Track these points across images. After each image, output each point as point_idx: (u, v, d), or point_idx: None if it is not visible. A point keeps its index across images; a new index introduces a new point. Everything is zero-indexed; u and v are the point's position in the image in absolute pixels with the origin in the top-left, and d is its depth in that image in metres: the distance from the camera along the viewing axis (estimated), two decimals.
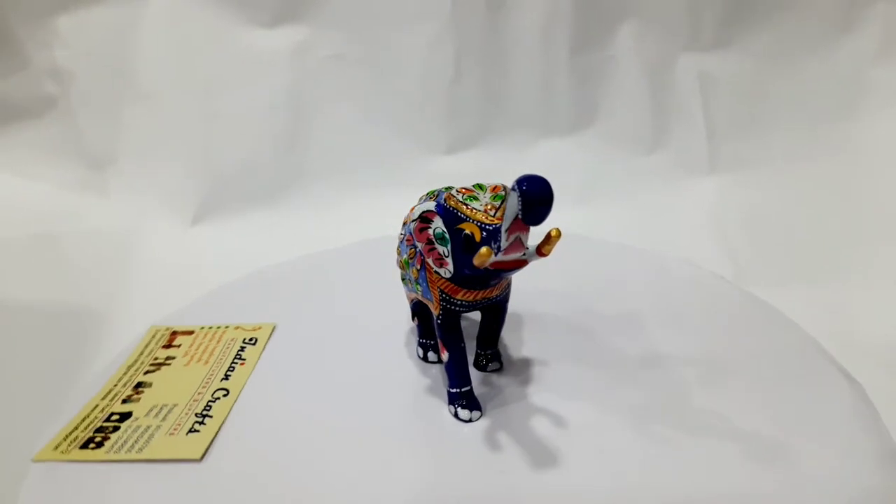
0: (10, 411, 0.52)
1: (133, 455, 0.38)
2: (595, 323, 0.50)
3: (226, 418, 0.41)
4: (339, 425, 0.40)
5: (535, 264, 0.37)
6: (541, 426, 0.40)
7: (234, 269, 0.64)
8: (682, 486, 0.36)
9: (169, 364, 0.47)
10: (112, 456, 0.38)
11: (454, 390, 0.41)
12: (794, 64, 0.86)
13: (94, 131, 0.85)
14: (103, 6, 0.83)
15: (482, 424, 0.40)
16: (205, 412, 0.42)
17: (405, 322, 0.48)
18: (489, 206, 0.36)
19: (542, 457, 0.38)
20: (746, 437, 0.38)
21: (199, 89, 0.84)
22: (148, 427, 0.41)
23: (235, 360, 0.47)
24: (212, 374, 0.46)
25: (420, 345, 0.46)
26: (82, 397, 0.44)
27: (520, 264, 0.36)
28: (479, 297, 0.39)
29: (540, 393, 0.43)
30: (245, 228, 0.81)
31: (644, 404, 0.41)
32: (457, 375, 0.41)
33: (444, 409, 0.41)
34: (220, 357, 0.47)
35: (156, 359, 0.47)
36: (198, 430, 0.40)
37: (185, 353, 0.48)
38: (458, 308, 0.39)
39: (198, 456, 0.38)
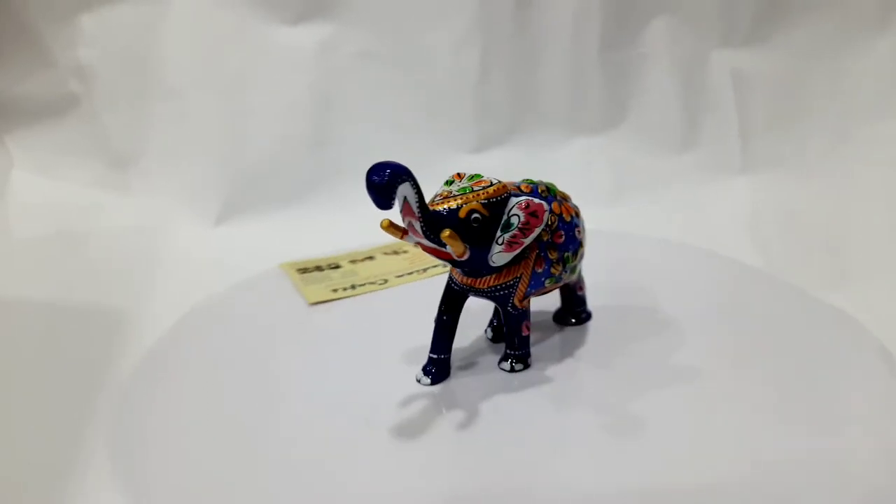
0: (36, 410, 0.51)
1: (301, 285, 0.53)
2: (626, 317, 0.49)
3: (353, 296, 0.53)
4: (383, 358, 0.46)
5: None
6: (553, 424, 0.39)
7: (260, 268, 0.64)
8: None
9: (399, 255, 0.58)
10: (296, 279, 0.53)
11: (429, 353, 0.44)
12: (829, 61, 0.84)
13: (118, 130, 0.84)
14: (127, 4, 0.82)
15: (483, 419, 0.40)
16: (355, 286, 0.53)
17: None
18: (444, 192, 0.38)
19: (550, 454, 0.37)
20: (788, 437, 0.37)
21: (223, 87, 0.84)
22: (330, 277, 0.53)
23: (420, 271, 0.55)
24: (401, 271, 0.55)
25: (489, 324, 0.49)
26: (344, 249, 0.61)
27: (439, 254, 0.38)
28: (465, 283, 0.41)
29: (563, 390, 0.43)
30: (270, 227, 0.80)
31: (674, 400, 0.41)
32: (432, 340, 0.43)
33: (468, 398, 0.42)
34: (423, 264, 0.56)
35: (400, 248, 0.59)
36: (335, 292, 0.53)
37: (417, 253, 0.57)
38: (453, 285, 0.42)
39: (310, 301, 0.53)
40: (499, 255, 0.39)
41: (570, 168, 0.83)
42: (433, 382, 0.43)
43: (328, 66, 0.84)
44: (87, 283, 0.70)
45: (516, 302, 0.41)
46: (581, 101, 0.85)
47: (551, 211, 0.42)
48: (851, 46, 0.84)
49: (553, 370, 0.44)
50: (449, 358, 0.44)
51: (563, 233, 0.42)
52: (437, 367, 0.43)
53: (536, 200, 0.39)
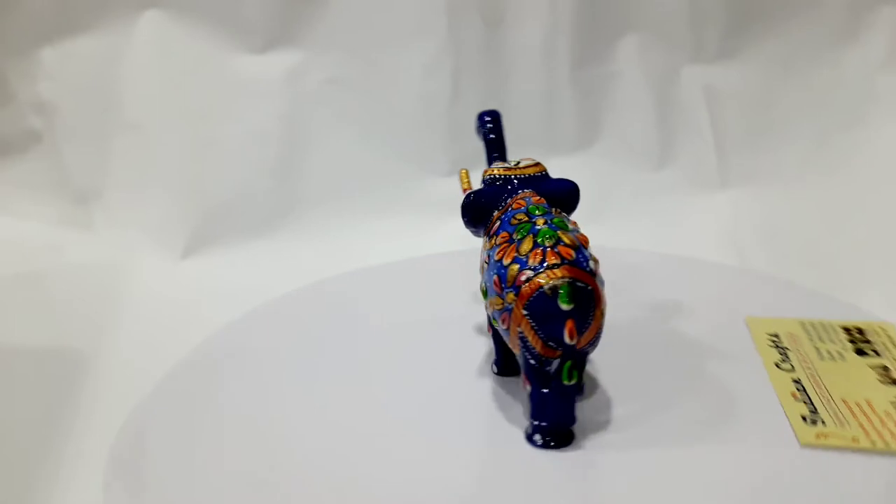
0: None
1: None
2: (617, 331, 0.47)
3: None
4: None
5: None
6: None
7: (229, 303, 0.61)
8: None
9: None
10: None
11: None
12: (800, 74, 0.84)
13: (80, 164, 0.82)
14: (89, 36, 0.80)
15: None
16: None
17: None
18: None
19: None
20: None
21: (188, 118, 0.82)
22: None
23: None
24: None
25: None
26: None
27: None
28: None
29: None
30: (239, 260, 0.77)
31: (674, 413, 0.39)
32: None
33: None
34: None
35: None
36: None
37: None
38: None
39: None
40: None
41: None
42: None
43: (296, 95, 0.82)
44: (49, 323, 0.67)
45: None
46: (555, 120, 0.84)
47: (515, 244, 0.36)
48: (821, 59, 0.84)
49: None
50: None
51: (489, 259, 0.37)
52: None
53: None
